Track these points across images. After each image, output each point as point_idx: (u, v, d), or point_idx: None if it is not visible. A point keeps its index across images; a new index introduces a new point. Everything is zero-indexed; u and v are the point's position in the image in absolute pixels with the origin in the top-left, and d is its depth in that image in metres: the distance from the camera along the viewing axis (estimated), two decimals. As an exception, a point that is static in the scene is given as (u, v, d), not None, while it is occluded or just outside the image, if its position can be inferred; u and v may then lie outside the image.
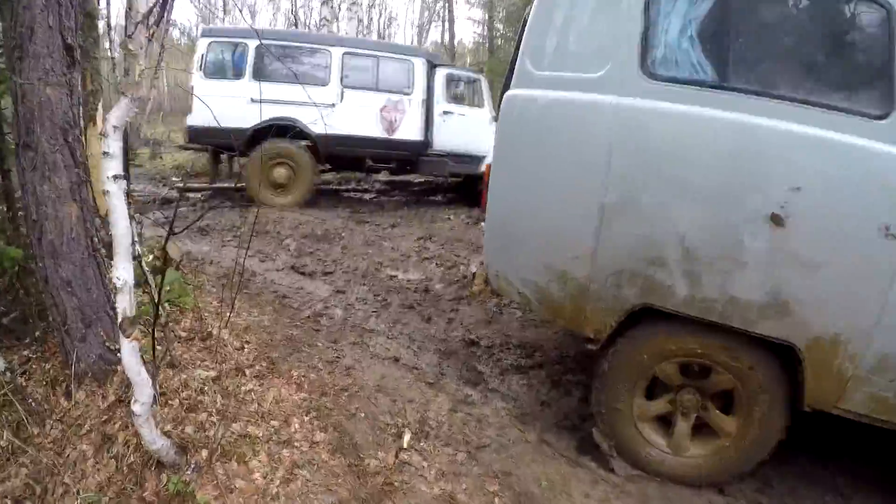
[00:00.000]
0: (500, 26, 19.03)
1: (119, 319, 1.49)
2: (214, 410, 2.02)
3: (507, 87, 2.21)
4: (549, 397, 2.65)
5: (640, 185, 1.82)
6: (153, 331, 1.70)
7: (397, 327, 3.20)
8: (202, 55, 6.38)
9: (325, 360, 2.74)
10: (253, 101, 6.08)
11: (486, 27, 19.74)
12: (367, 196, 8.28)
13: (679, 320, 1.90)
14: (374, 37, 23.37)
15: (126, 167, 2.08)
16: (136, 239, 2.35)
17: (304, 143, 6.52)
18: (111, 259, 1.51)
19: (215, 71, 6.48)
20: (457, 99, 7.47)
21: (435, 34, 25.84)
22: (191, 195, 7.72)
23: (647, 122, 1.81)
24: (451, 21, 21.29)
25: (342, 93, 6.59)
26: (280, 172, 6.44)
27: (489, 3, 18.48)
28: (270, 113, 6.19)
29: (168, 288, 3.11)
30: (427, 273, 4.32)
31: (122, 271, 1.45)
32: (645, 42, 1.80)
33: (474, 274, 2.72)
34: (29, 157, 1.83)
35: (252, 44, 6.34)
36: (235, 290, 2.92)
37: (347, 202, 7.50)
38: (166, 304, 3.06)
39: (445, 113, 7.14)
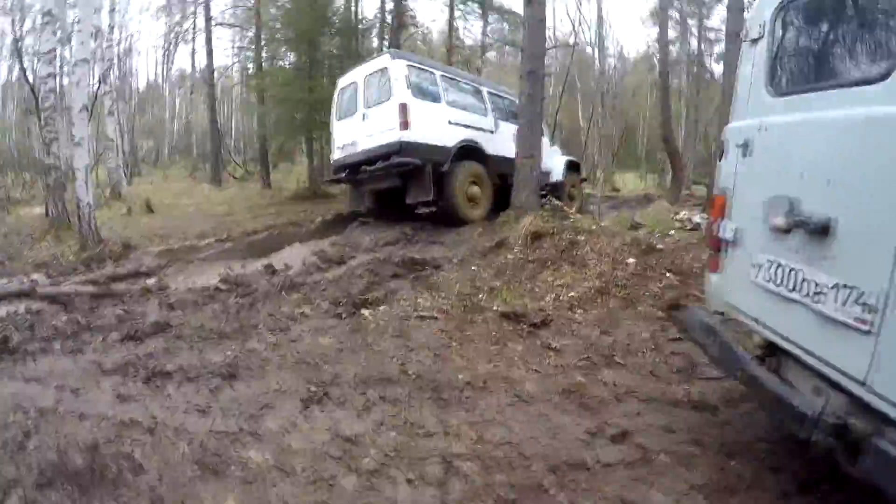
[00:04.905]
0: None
1: None
2: None
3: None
4: None
5: None
6: None
7: None
8: (406, 76, 6.81)
9: None
10: (450, 123, 7.14)
11: (253, 40, 15.89)
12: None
13: None
14: (116, 65, 19.61)
15: None
16: None
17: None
18: None
19: (421, 94, 6.97)
20: None
21: (182, 60, 21.89)
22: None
23: None
24: (210, 40, 18.19)
25: (496, 121, 7.94)
26: (475, 189, 7.28)
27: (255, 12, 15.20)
28: (461, 135, 7.22)
29: None
30: None
31: None
32: None
33: None
34: None
35: (437, 73, 7.42)
36: None
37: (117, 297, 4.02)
38: None
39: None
